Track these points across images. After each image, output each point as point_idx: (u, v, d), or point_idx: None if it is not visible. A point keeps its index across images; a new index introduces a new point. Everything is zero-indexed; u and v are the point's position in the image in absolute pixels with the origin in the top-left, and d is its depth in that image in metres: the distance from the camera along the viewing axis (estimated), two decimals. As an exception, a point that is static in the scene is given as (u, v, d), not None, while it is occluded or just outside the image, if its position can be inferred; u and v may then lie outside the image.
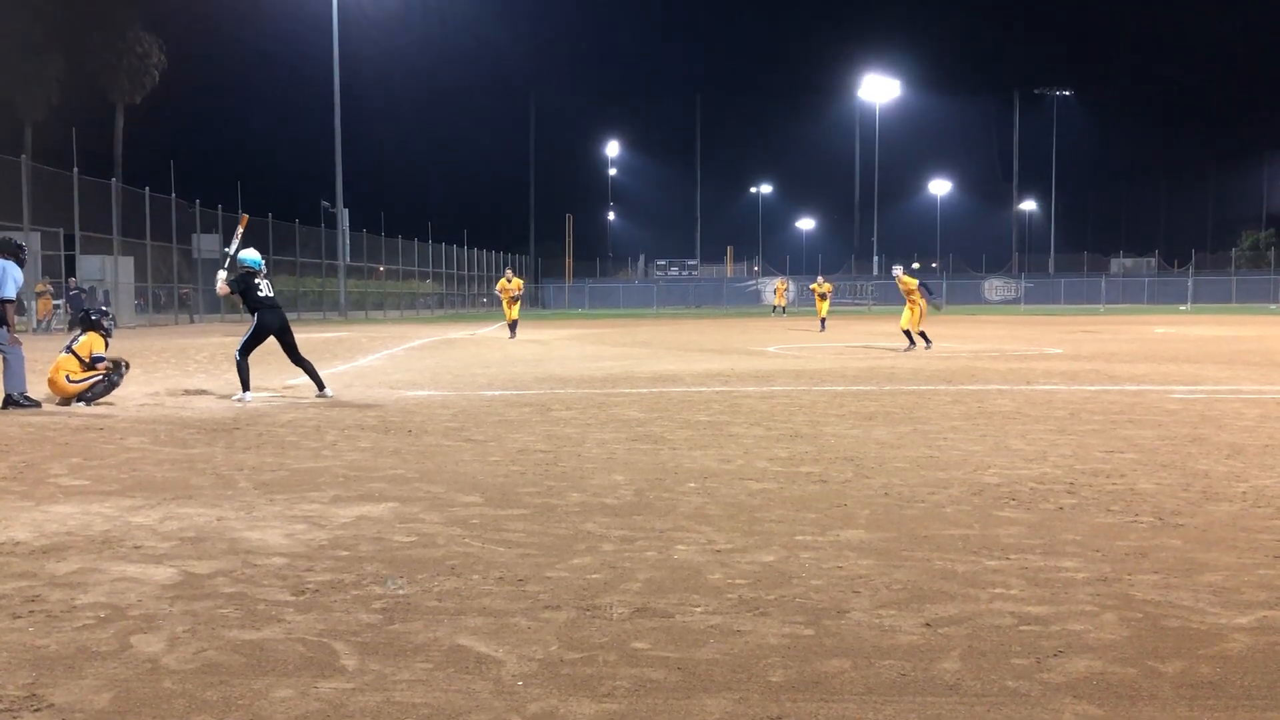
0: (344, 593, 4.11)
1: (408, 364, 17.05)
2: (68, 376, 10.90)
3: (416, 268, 61.08)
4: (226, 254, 11.40)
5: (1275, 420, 8.97)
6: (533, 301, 69.47)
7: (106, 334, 11.53)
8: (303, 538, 5.00)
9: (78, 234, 33.12)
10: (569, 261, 78.00)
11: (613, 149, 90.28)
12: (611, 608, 3.90)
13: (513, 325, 25.85)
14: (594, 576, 4.31)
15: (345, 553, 4.72)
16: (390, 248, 57.21)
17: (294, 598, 4.05)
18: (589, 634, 3.62)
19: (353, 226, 50.68)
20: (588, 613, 3.84)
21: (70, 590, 4.16)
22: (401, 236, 58.35)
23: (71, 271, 32.98)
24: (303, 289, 47.73)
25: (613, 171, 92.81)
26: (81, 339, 11.27)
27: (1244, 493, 5.94)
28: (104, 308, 12.20)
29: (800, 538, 4.94)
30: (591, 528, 5.16)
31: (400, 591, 4.12)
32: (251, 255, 11.56)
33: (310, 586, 4.20)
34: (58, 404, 10.77)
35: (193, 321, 40.09)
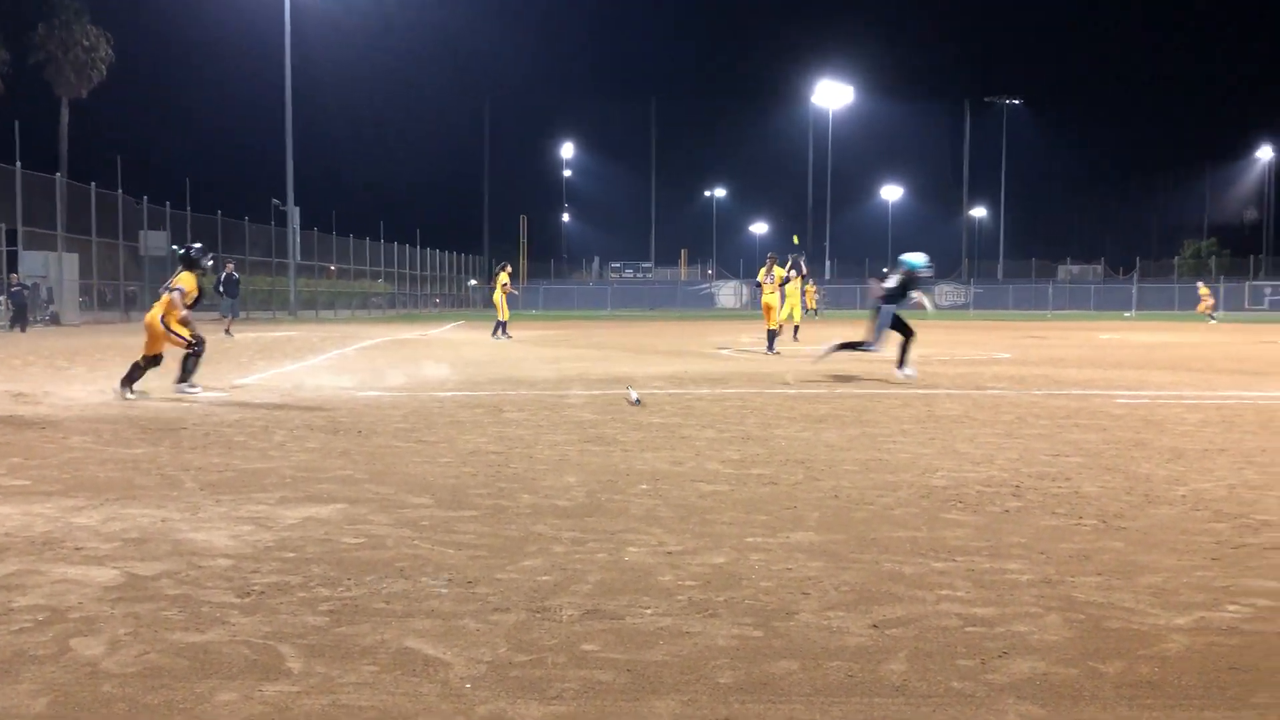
0: (290, 595, 4.07)
1: (358, 364, 16.90)
2: (163, 320, 10.82)
3: (369, 267, 60.55)
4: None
5: (1214, 425, 9.16)
6: (486, 303, 69.13)
7: (204, 274, 11.28)
8: (249, 539, 4.94)
9: (20, 229, 32.44)
10: (524, 263, 77.77)
11: (568, 151, 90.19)
12: (561, 609, 3.89)
13: (502, 325, 26.04)
14: (544, 578, 4.30)
15: (292, 554, 4.66)
16: (342, 247, 56.66)
17: (239, 600, 4.00)
18: (538, 636, 3.61)
19: (304, 225, 50.13)
20: (537, 615, 3.83)
21: (8, 592, 4.07)
22: (353, 235, 57.83)
23: (14, 267, 32.30)
24: (252, 287, 47.12)
25: (568, 174, 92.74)
26: (179, 277, 10.96)
27: (1183, 496, 6.05)
28: (199, 244, 11.57)
29: (750, 539, 4.96)
30: (542, 529, 5.15)
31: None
32: (916, 259, 13.30)
33: (256, 588, 4.14)
34: (143, 360, 10.92)
35: (128, 319, 39.43)
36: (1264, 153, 75.77)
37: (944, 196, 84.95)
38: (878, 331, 13.04)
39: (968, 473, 6.76)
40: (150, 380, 11.30)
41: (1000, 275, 75.51)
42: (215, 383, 12.28)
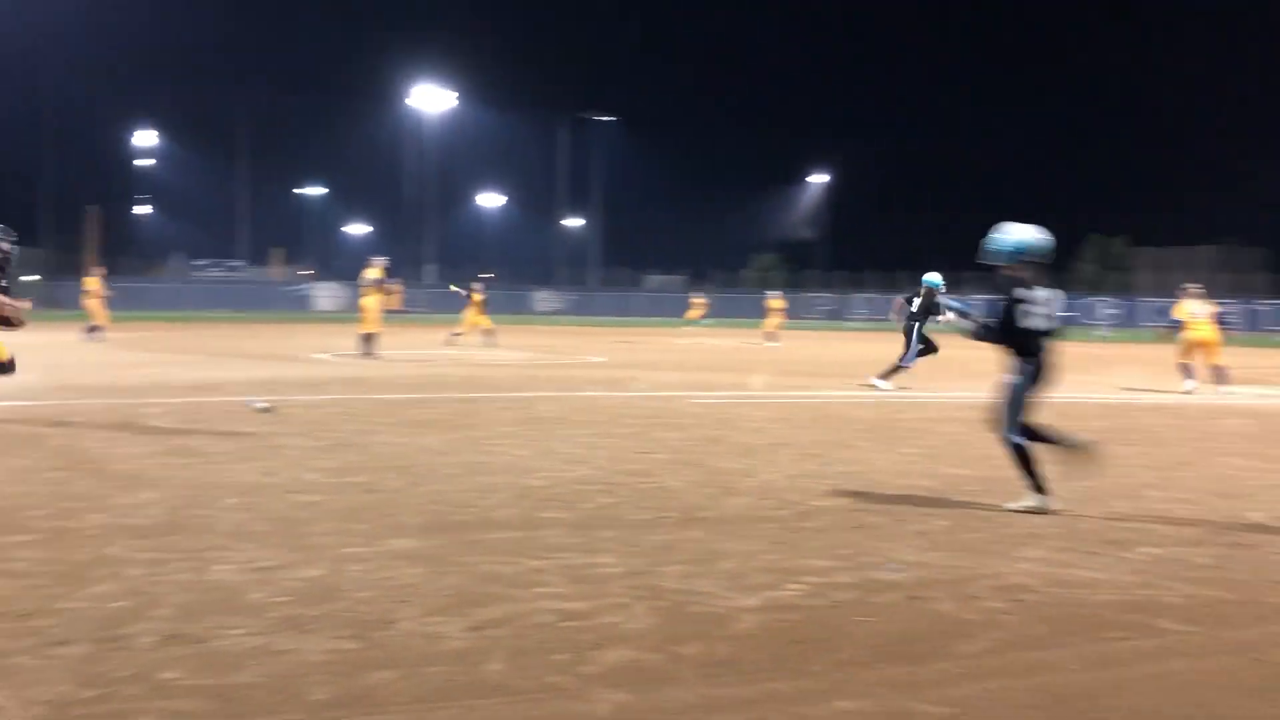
0: None
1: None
2: None
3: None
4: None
5: (778, 421, 10.14)
6: (48, 302, 62.12)
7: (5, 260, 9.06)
8: None
9: None
10: (92, 258, 70.57)
11: (148, 139, 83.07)
12: (137, 637, 3.57)
13: (95, 329, 24.05)
14: (117, 605, 3.93)
15: None
16: None
17: None
18: (109, 668, 3.29)
19: None
20: (108, 645, 3.49)
21: None
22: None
23: None
24: None
25: (149, 163, 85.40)
26: None
27: (754, 487, 6.65)
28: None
29: (348, 550, 4.83)
30: (115, 551, 4.70)
31: None
32: (935, 278, 12.87)
33: None
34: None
35: None
36: (819, 177, 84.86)
37: (542, 205, 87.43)
38: (912, 347, 13.74)
39: (564, 472, 7.00)
40: None
41: (593, 283, 78.89)
42: None
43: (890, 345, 26.32)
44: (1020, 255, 6.09)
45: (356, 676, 3.28)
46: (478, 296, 25.67)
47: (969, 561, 4.88)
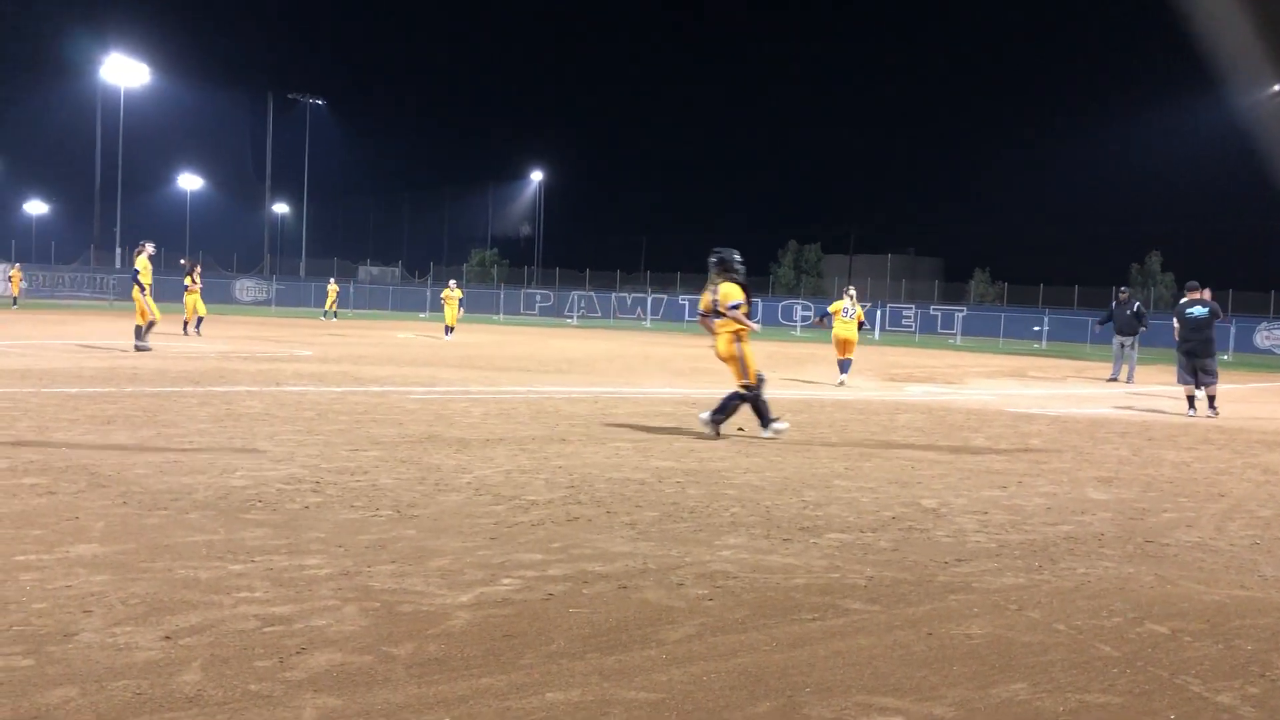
0: None
1: None
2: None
3: None
4: None
5: (495, 417, 10.14)
6: None
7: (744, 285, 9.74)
8: None
9: None
10: None
11: None
12: None
13: None
14: None
15: None
16: None
17: None
18: None
19: None
20: None
21: None
22: None
23: None
24: None
25: None
26: (724, 288, 9.61)
27: (469, 483, 6.62)
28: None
29: (21, 558, 4.41)
30: None
31: None
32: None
33: None
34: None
35: None
36: (536, 175, 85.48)
37: (247, 190, 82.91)
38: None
39: (268, 471, 6.70)
40: None
41: (303, 273, 75.76)
42: None
43: (600, 341, 26.69)
44: None
45: (31, 695, 3.00)
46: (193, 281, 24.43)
47: (676, 550, 5.08)
